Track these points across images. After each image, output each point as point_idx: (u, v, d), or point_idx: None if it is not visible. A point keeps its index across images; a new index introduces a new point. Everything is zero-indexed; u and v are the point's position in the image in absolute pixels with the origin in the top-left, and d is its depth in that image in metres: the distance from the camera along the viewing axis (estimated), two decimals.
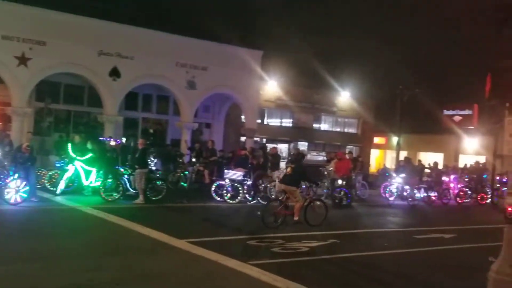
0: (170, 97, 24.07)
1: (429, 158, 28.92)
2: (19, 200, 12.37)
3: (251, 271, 7.83)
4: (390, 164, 33.50)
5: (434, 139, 35.62)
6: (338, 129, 34.36)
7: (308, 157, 28.76)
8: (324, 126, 33.84)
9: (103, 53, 20.15)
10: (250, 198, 15.89)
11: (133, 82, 21.26)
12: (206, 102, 24.84)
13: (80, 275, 7.18)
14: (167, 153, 21.27)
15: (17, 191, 12.38)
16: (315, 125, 33.05)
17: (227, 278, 7.63)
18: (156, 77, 21.73)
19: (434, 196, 19.89)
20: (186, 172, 18.22)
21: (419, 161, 25.10)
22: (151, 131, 25.19)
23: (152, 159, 17.39)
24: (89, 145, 15.20)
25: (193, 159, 18.47)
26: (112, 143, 16.60)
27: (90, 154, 14.79)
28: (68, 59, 19.31)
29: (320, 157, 31.25)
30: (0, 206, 12.10)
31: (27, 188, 12.57)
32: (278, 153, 20.28)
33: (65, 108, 22.15)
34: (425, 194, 19.50)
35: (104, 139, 17.68)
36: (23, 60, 18.45)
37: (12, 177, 12.76)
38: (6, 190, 12.41)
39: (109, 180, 14.45)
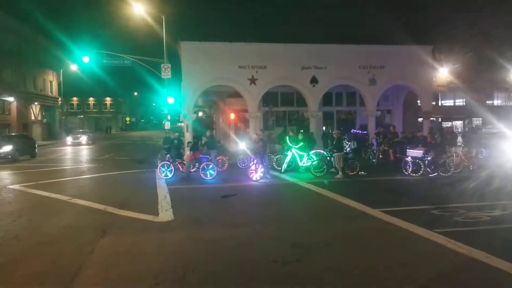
0: (356, 93, 23.26)
1: None
2: (258, 178, 13.62)
3: (437, 239, 6.96)
4: None
5: None
6: None
7: (483, 130, 24.33)
8: (496, 102, 28.06)
9: (304, 67, 20.66)
10: (431, 171, 14.27)
11: (328, 85, 21.21)
12: (386, 93, 23.11)
13: (302, 236, 7.34)
14: (356, 136, 20.62)
15: (256, 172, 13.70)
16: (488, 102, 27.63)
17: (418, 244, 6.90)
18: (345, 79, 21.24)
19: None
20: (374, 151, 17.43)
21: None
22: (343, 118, 24.86)
23: (347, 142, 17.12)
24: (300, 137, 15.82)
25: (379, 141, 17.54)
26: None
27: (301, 143, 15.39)
28: (281, 76, 20.38)
29: (494, 130, 26.08)
30: (247, 182, 13.54)
31: (262, 169, 13.82)
32: (454, 130, 17.63)
33: (282, 110, 23.71)
34: None
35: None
36: (252, 80, 20.22)
37: (252, 162, 14.19)
38: (250, 171, 13.88)
39: (316, 161, 14.80)
